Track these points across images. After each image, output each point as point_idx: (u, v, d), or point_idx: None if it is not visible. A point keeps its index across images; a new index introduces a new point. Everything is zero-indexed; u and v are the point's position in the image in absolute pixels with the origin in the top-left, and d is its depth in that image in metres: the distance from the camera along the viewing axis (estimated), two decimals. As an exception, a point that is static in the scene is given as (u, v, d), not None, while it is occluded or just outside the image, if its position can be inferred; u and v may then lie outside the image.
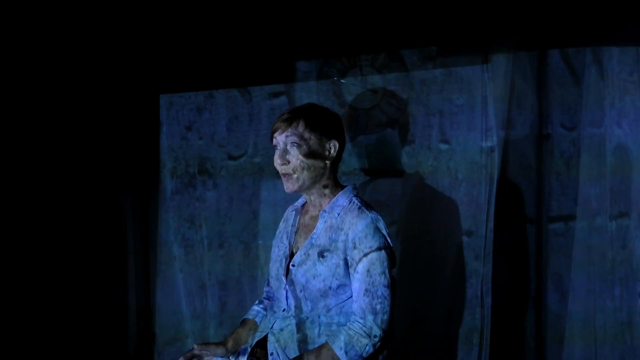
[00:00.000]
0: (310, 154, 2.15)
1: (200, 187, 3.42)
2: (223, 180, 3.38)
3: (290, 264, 2.21)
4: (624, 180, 2.79)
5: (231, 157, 3.36)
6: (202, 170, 3.42)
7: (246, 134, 3.32)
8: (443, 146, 2.96)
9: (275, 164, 2.19)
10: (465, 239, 2.90)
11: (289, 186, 2.18)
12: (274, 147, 2.20)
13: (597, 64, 2.79)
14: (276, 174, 2.26)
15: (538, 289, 2.95)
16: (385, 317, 2.09)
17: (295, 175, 2.16)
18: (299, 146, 2.14)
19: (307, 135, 2.15)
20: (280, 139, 2.17)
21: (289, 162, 2.16)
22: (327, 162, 2.18)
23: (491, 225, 2.85)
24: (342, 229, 2.15)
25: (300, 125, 2.15)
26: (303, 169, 2.15)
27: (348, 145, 2.93)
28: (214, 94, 3.39)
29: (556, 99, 2.87)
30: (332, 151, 2.18)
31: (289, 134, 2.15)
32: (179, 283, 3.48)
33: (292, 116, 2.16)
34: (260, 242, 3.32)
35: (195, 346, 2.28)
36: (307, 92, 3.19)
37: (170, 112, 3.48)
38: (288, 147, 2.16)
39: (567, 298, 2.87)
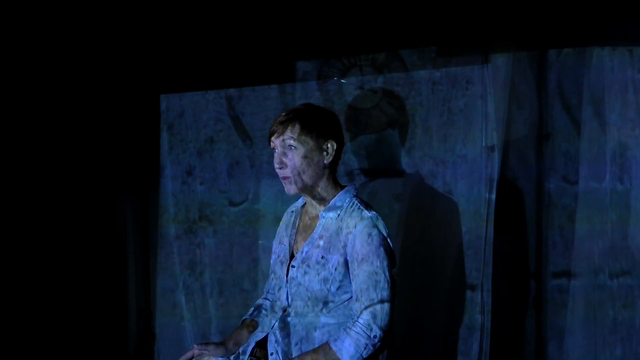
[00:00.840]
0: (307, 156, 2.15)
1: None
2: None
3: (291, 264, 2.21)
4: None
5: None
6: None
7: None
8: (443, 146, 2.96)
9: (275, 168, 2.19)
10: (465, 239, 2.90)
11: (288, 189, 2.18)
12: (272, 150, 2.20)
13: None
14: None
15: (538, 289, 2.95)
16: (385, 317, 2.09)
17: (294, 178, 2.16)
18: (295, 149, 2.14)
19: (303, 137, 2.14)
20: (277, 142, 2.17)
21: (286, 165, 2.16)
22: (325, 162, 2.18)
23: (491, 225, 2.85)
24: (341, 230, 2.15)
25: (296, 127, 2.14)
26: (301, 171, 2.15)
27: (348, 145, 2.93)
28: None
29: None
30: (329, 152, 2.18)
31: (286, 137, 2.15)
32: (179, 283, 3.48)
33: (288, 119, 2.16)
34: (260, 242, 3.32)
35: (195, 346, 2.28)
36: (307, 92, 3.19)
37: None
38: (285, 150, 2.16)
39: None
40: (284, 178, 2.17)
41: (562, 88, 2.89)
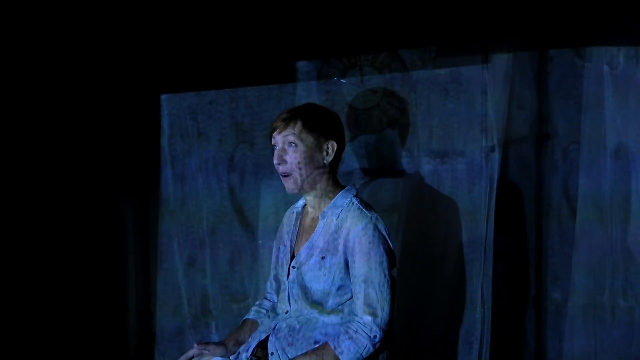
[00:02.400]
0: (307, 154, 2.15)
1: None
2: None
3: (291, 265, 2.21)
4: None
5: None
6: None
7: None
8: (443, 146, 2.96)
9: (274, 164, 2.19)
10: (465, 239, 2.90)
11: (288, 186, 2.18)
12: (273, 147, 2.20)
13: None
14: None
15: (538, 289, 2.95)
16: (385, 317, 2.09)
17: (293, 175, 2.16)
18: (296, 146, 2.14)
19: (304, 135, 2.15)
20: (278, 138, 2.17)
21: (286, 162, 2.16)
22: (325, 162, 2.18)
23: (491, 225, 2.85)
24: (341, 230, 2.15)
25: (297, 125, 2.15)
26: (300, 169, 2.15)
27: (348, 145, 2.93)
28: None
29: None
30: (330, 151, 2.18)
31: (287, 133, 2.15)
32: (179, 283, 3.48)
33: (290, 116, 2.16)
34: (260, 242, 3.32)
35: (196, 346, 2.28)
36: (307, 92, 3.19)
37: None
38: (285, 147, 2.16)
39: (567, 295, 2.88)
40: (283, 175, 2.18)
41: (562, 88, 2.89)
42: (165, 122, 3.48)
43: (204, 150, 3.41)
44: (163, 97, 3.49)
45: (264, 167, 3.28)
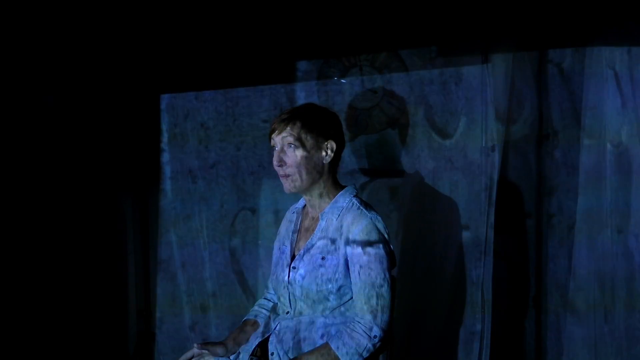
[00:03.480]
0: (306, 155, 2.15)
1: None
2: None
3: (292, 266, 2.21)
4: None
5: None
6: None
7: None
8: (443, 146, 2.96)
9: (274, 165, 2.19)
10: (465, 238, 2.90)
11: (287, 186, 2.18)
12: (272, 148, 2.20)
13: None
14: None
15: (538, 289, 2.95)
16: (385, 317, 2.09)
17: (292, 176, 2.16)
18: (295, 147, 2.14)
19: (303, 136, 2.15)
20: (277, 140, 2.17)
21: (285, 163, 2.16)
22: (324, 162, 2.18)
23: (491, 225, 2.85)
24: (341, 230, 2.15)
25: (296, 126, 2.15)
26: (300, 169, 2.15)
27: (348, 145, 2.93)
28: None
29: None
30: (329, 152, 2.18)
31: (286, 134, 2.15)
32: (179, 283, 3.48)
33: (289, 117, 2.16)
34: (260, 242, 3.32)
35: (196, 345, 2.28)
36: (307, 92, 3.19)
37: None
38: (285, 148, 2.16)
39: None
40: (283, 176, 2.18)
41: (562, 88, 2.89)
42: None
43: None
44: (163, 97, 3.50)
45: (263, 166, 3.29)
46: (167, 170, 3.49)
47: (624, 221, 2.79)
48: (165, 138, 3.49)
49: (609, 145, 2.80)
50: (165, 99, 3.49)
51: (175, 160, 3.48)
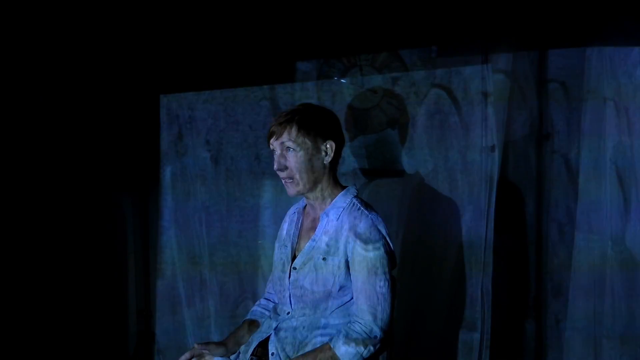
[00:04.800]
0: (306, 158, 2.14)
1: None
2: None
3: (292, 266, 2.21)
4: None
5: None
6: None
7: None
8: (443, 146, 2.96)
9: (275, 170, 2.19)
10: (465, 239, 2.90)
11: (290, 190, 2.18)
12: (272, 152, 2.20)
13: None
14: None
15: (538, 289, 2.95)
16: (385, 317, 2.09)
17: (295, 180, 2.16)
18: (294, 151, 2.14)
19: (301, 139, 2.14)
20: (275, 144, 2.17)
21: (286, 167, 2.15)
22: (324, 163, 2.18)
23: (491, 225, 2.85)
24: (342, 231, 2.15)
25: (293, 129, 2.14)
26: (300, 172, 2.14)
27: (348, 145, 2.93)
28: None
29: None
30: (328, 152, 2.18)
31: (284, 139, 2.14)
32: (179, 283, 3.48)
33: (286, 120, 2.15)
34: (260, 242, 3.32)
35: (196, 345, 2.27)
36: (307, 92, 3.19)
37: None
38: (284, 152, 2.15)
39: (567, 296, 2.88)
40: (285, 180, 2.17)
41: (562, 88, 2.89)
42: (164, 122, 3.48)
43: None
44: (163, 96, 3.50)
45: (264, 165, 3.29)
46: (167, 170, 3.49)
47: (624, 221, 2.79)
48: (165, 138, 3.49)
49: (608, 145, 2.80)
50: (165, 99, 3.49)
51: (175, 160, 3.48)
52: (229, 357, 2.26)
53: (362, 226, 2.12)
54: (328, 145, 2.17)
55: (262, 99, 3.28)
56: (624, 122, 2.79)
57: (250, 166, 3.32)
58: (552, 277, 2.92)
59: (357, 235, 2.11)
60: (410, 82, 3.02)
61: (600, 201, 2.81)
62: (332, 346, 2.07)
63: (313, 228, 2.22)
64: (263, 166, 3.27)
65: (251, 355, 2.19)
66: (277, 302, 2.32)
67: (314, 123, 2.16)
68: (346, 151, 2.35)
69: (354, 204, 2.18)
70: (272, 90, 3.27)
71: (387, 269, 2.11)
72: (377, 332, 2.07)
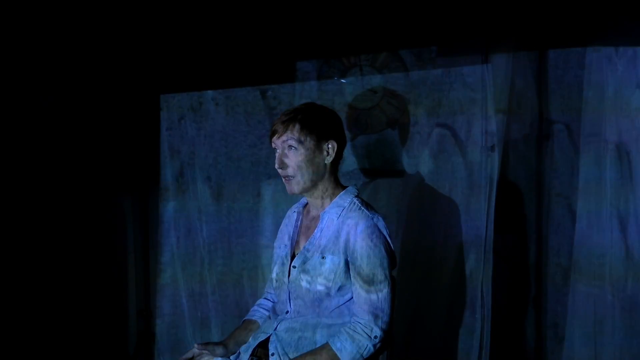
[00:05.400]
0: (308, 157, 2.15)
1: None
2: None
3: (292, 265, 2.21)
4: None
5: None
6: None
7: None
8: (443, 146, 2.96)
9: (276, 168, 2.19)
10: (465, 239, 2.90)
11: (290, 188, 2.18)
12: (274, 150, 2.20)
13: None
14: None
15: (538, 289, 2.95)
16: (386, 317, 2.09)
17: (295, 178, 2.16)
18: (296, 149, 2.14)
19: (303, 138, 2.14)
20: (277, 142, 2.17)
21: (287, 165, 2.16)
22: (326, 163, 2.18)
23: (491, 225, 2.85)
24: (342, 230, 2.15)
25: (296, 128, 2.14)
26: (302, 171, 2.15)
27: (348, 146, 2.93)
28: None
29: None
30: (330, 152, 2.18)
31: (286, 137, 2.15)
32: (179, 283, 3.48)
33: (289, 119, 2.16)
34: (260, 241, 3.32)
35: (196, 346, 2.27)
36: (307, 92, 3.19)
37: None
38: (286, 151, 2.16)
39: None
40: (286, 178, 2.18)
41: (562, 88, 2.89)
42: (164, 122, 3.48)
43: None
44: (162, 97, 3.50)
45: (264, 165, 3.29)
46: (167, 170, 3.49)
47: (623, 221, 2.79)
48: (165, 138, 3.49)
49: (608, 145, 2.80)
50: (165, 99, 3.49)
51: (175, 160, 3.48)
52: (229, 358, 2.26)
53: (363, 226, 2.12)
54: (330, 145, 2.17)
55: (263, 98, 3.27)
56: (624, 121, 2.79)
57: (251, 165, 3.32)
58: (552, 277, 2.92)
59: (358, 235, 2.11)
60: (410, 82, 3.02)
61: (600, 201, 2.81)
62: (332, 346, 2.07)
63: (313, 227, 2.22)
64: (264, 165, 3.27)
65: (251, 355, 2.19)
66: (276, 301, 2.32)
67: (316, 122, 2.16)
68: (346, 151, 2.35)
69: (354, 204, 2.18)
70: (273, 89, 3.27)
71: (387, 269, 2.11)
72: (377, 332, 2.07)
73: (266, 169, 3.25)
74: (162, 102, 3.48)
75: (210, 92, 3.38)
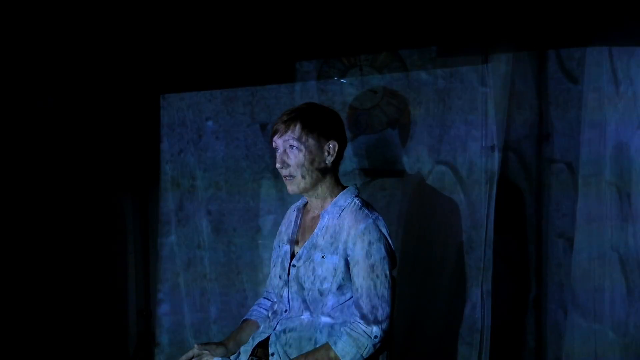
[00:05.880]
0: (308, 156, 2.15)
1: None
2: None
3: (292, 264, 2.21)
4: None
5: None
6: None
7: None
8: (443, 146, 2.96)
9: (277, 167, 2.19)
10: (465, 239, 2.90)
11: (290, 188, 2.18)
12: (275, 150, 2.20)
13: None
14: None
15: (538, 289, 2.95)
16: (386, 317, 2.09)
17: (295, 178, 2.16)
18: (297, 149, 2.14)
19: (304, 137, 2.14)
20: (279, 142, 2.17)
21: (288, 165, 2.16)
22: (326, 162, 2.18)
23: (491, 225, 2.85)
24: (342, 230, 2.15)
25: (297, 127, 2.14)
26: (302, 171, 2.15)
27: (348, 146, 2.92)
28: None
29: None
30: (331, 152, 2.18)
31: (287, 137, 2.15)
32: (179, 283, 3.48)
33: (290, 119, 2.16)
34: (260, 242, 3.32)
35: (196, 346, 2.27)
36: (307, 92, 3.19)
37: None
38: (287, 150, 2.16)
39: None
40: (286, 177, 2.18)
41: (562, 88, 2.89)
42: (164, 122, 3.48)
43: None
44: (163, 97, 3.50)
45: (264, 164, 3.29)
46: (167, 169, 3.49)
47: (624, 221, 2.79)
48: (165, 138, 3.49)
49: (608, 145, 2.80)
50: (165, 99, 3.49)
51: (175, 160, 3.48)
52: (229, 358, 2.26)
53: (363, 225, 2.12)
54: (331, 145, 2.18)
55: (265, 169, 3.27)
56: (624, 121, 2.79)
57: (251, 164, 3.32)
58: (552, 277, 2.92)
59: (358, 235, 2.11)
60: (410, 82, 3.02)
61: (600, 201, 2.81)
62: (332, 346, 2.07)
63: (313, 226, 2.23)
64: (264, 164, 3.27)
65: (251, 355, 2.19)
66: (275, 300, 2.32)
67: (317, 122, 2.16)
68: (346, 151, 2.36)
69: (354, 204, 2.18)
70: (272, 89, 3.27)
71: (387, 269, 2.11)
72: (377, 331, 2.07)
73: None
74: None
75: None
